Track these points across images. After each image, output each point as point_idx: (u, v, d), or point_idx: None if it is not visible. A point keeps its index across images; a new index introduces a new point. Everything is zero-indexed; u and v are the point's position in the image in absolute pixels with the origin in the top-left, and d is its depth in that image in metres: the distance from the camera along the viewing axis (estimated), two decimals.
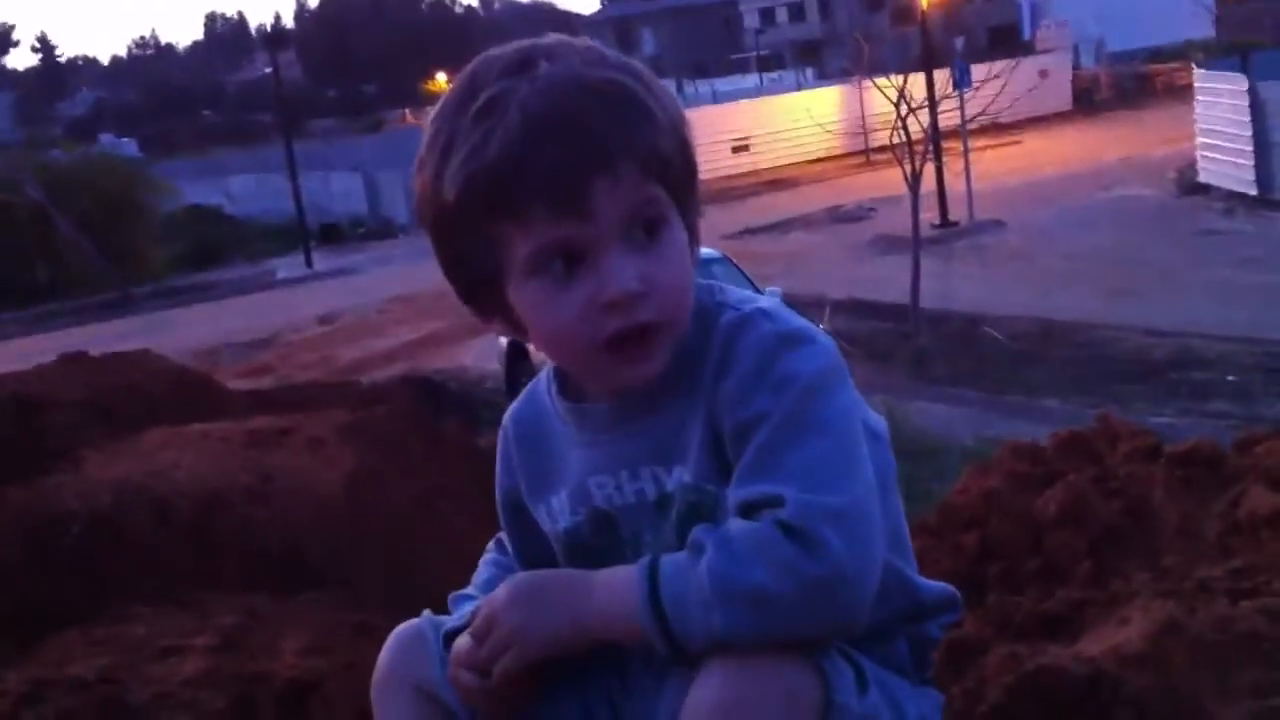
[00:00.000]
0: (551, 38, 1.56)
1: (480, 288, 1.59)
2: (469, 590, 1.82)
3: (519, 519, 1.80)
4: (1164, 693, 1.75)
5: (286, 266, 30.62)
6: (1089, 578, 2.54)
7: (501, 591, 1.59)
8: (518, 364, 12.74)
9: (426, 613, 1.75)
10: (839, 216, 26.40)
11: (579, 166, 1.46)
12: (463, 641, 1.62)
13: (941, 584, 1.78)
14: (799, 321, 1.58)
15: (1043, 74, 37.73)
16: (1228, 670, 1.81)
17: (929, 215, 20.45)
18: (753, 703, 1.40)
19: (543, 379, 1.78)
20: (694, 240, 1.61)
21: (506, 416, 1.82)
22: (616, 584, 1.53)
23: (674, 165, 1.55)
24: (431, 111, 1.58)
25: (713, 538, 1.46)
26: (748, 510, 1.47)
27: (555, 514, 1.71)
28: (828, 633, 1.45)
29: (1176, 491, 2.77)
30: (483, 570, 1.87)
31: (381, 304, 22.87)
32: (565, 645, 1.55)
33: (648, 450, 1.62)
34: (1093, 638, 2.08)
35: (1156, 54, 51.16)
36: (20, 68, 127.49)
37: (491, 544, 1.91)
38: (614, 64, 1.53)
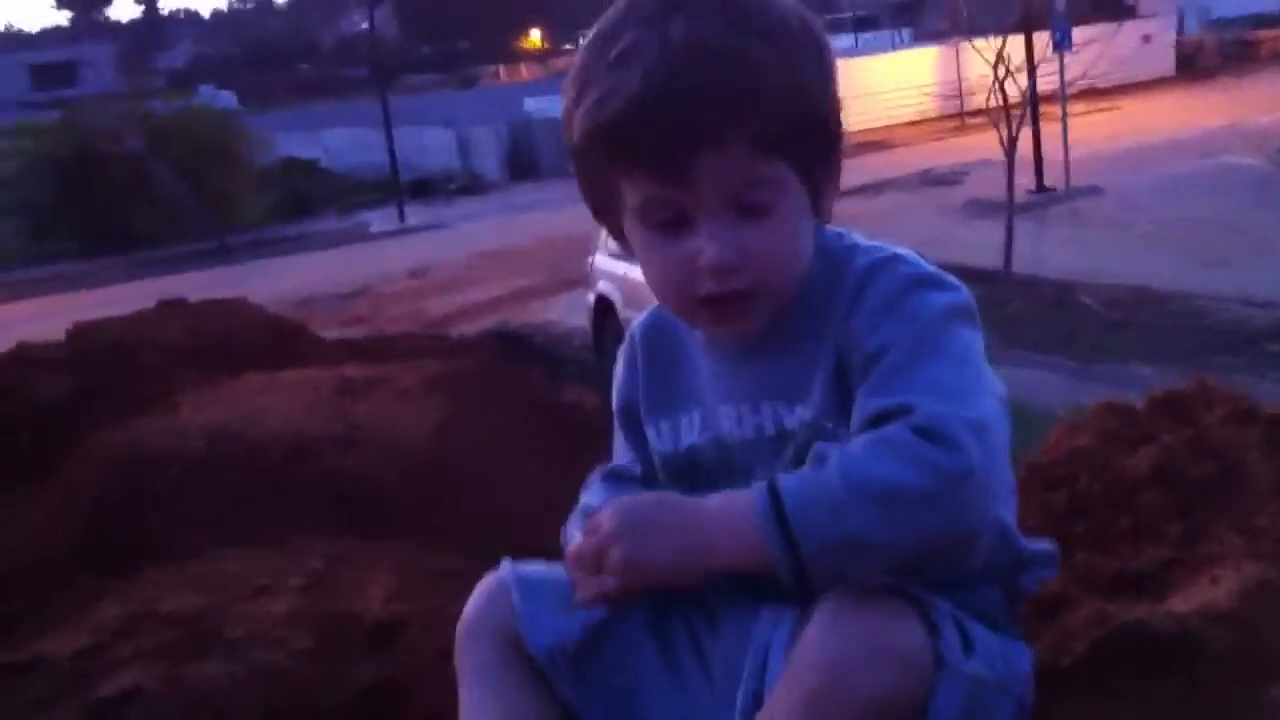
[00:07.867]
0: None
1: (604, 215, 1.66)
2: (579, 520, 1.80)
3: (636, 426, 1.82)
4: (1251, 651, 1.73)
5: (379, 220, 30.80)
6: (1179, 538, 2.51)
7: (610, 516, 1.58)
8: (605, 320, 12.75)
9: (506, 561, 1.78)
10: (932, 179, 26.04)
11: (687, 137, 1.48)
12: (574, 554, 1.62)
13: (1042, 542, 1.77)
14: (934, 268, 1.59)
15: (1145, 39, 37.00)
16: None
17: (1024, 180, 20.14)
18: (863, 661, 1.38)
19: None
20: (824, 201, 1.62)
21: (635, 326, 1.84)
22: (733, 506, 1.50)
23: (802, 135, 1.55)
24: (589, 33, 1.60)
25: (837, 448, 1.45)
26: (876, 420, 1.45)
27: (681, 431, 1.74)
28: (953, 541, 1.43)
29: (1271, 454, 2.72)
30: (597, 494, 1.83)
31: (471, 258, 22.93)
32: (676, 577, 1.55)
33: (770, 387, 1.64)
34: (1181, 596, 2.06)
35: (1262, 20, 49.90)
36: (123, 19, 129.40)
37: (595, 474, 1.89)
38: (756, 27, 1.51)
